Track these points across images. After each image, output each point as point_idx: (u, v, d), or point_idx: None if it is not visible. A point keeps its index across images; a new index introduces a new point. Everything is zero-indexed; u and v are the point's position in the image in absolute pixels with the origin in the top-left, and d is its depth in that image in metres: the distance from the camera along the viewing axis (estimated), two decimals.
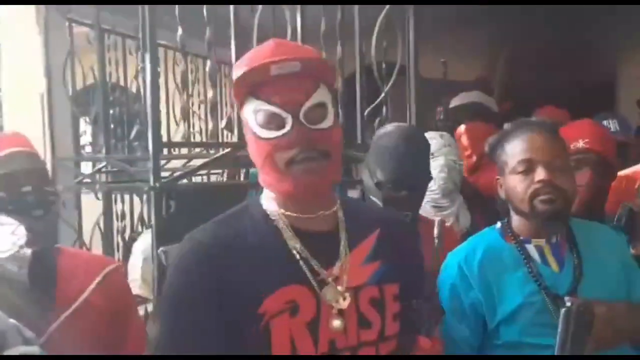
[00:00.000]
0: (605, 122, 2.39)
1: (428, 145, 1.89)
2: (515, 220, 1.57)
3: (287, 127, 1.11)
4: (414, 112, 3.22)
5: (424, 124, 3.22)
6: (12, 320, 1.20)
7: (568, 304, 1.36)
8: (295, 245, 1.14)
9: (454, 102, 3.05)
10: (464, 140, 2.82)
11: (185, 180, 2.33)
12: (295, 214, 1.17)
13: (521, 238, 1.54)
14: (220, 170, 3.07)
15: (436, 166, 2.28)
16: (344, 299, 1.13)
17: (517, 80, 3.64)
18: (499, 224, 1.61)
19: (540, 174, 1.47)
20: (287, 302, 1.11)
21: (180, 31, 2.08)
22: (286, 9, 2.35)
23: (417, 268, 1.30)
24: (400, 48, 2.66)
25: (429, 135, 2.11)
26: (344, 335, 1.14)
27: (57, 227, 1.51)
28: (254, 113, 1.14)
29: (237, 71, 1.14)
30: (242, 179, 3.19)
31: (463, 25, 3.98)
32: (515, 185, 1.51)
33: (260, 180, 1.19)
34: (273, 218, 1.18)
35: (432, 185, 2.16)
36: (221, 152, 2.23)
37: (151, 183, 1.97)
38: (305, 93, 1.13)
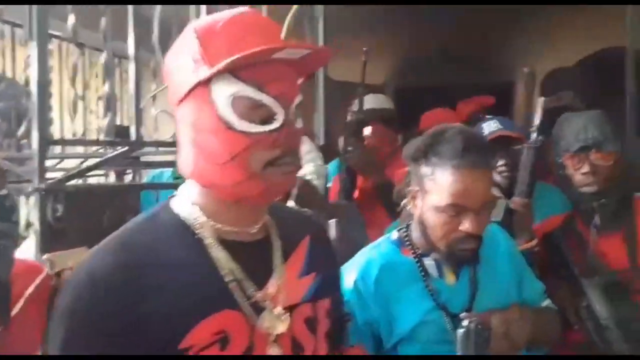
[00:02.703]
0: (485, 125, 2.26)
1: None
2: (416, 232, 1.48)
3: (277, 124, 0.92)
4: (323, 117, 3.18)
5: (334, 128, 3.17)
6: None
7: (465, 322, 1.33)
8: (227, 265, 0.95)
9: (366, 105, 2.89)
10: None
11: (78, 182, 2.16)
12: (228, 227, 0.97)
13: (420, 252, 1.47)
14: (109, 172, 2.88)
15: (308, 172, 2.23)
16: (282, 322, 0.97)
17: (413, 83, 3.66)
18: (395, 234, 1.53)
19: (467, 224, 1.35)
20: (217, 332, 0.92)
21: (71, 19, 1.92)
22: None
23: (339, 277, 1.19)
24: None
25: None
26: None
27: None
28: (230, 97, 0.91)
29: (226, 45, 0.90)
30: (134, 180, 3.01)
31: (366, 29, 3.96)
32: (436, 224, 1.39)
33: (208, 179, 0.95)
34: (195, 230, 0.96)
35: None
36: (114, 152, 2.08)
37: (36, 184, 1.83)
38: (296, 87, 0.96)
